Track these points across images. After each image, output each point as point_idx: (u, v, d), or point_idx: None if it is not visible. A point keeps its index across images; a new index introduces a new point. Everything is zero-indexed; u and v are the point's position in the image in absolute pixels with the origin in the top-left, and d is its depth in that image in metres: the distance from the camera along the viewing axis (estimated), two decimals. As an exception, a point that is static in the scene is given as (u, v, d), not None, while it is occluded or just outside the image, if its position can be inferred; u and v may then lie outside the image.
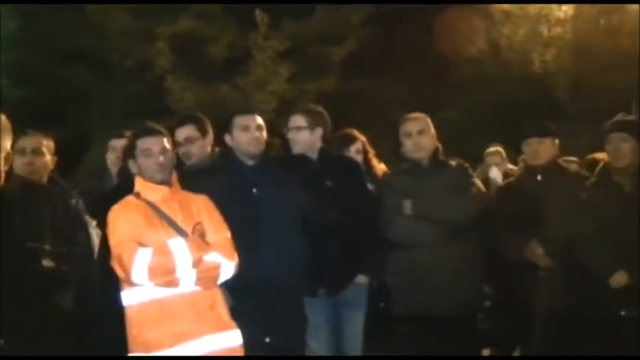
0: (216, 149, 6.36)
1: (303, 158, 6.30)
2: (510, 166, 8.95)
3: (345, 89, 20.86)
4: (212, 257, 4.98)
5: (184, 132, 6.26)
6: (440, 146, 6.41)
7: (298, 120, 6.32)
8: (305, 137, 6.30)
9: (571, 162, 8.01)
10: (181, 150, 6.18)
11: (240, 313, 5.28)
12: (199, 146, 6.25)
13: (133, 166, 5.25)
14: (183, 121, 6.38)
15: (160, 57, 19.34)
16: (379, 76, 22.25)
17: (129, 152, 5.28)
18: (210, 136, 6.36)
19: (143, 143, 5.15)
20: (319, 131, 6.35)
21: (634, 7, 19.89)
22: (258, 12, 19.38)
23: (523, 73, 21.22)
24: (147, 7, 19.62)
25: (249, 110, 6.10)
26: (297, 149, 6.32)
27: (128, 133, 5.80)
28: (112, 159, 6.86)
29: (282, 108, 18.92)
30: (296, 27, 20.53)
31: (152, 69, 19.65)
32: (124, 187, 5.45)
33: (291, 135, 6.33)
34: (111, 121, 18.20)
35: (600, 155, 6.96)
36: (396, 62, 21.99)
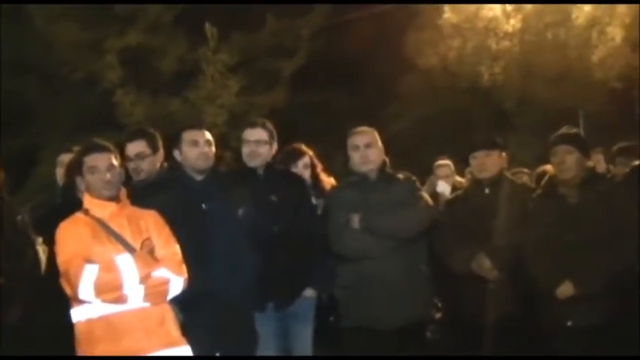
0: (165, 164, 6.34)
1: (251, 172, 6.31)
2: (459, 178, 9.01)
3: (296, 102, 20.90)
4: (160, 273, 4.98)
5: (135, 147, 6.24)
6: (387, 160, 6.44)
7: (260, 133, 6.34)
8: (266, 151, 6.33)
9: (522, 173, 8.10)
10: (131, 165, 6.16)
11: (190, 328, 5.28)
12: (150, 162, 6.23)
13: (80, 182, 5.23)
14: (134, 136, 6.36)
15: (110, 70, 19.20)
16: (329, 89, 22.34)
17: (76, 169, 5.26)
18: (161, 152, 6.34)
19: (90, 160, 5.13)
20: (275, 146, 6.42)
21: (580, 20, 20.19)
22: (207, 25, 19.33)
23: (472, 85, 21.40)
24: (96, 20, 19.48)
25: (198, 125, 6.12)
26: (255, 163, 6.33)
27: (77, 148, 5.76)
28: (62, 174, 6.81)
29: (232, 121, 18.91)
30: (245, 40, 20.52)
31: (101, 82, 19.50)
32: (69, 203, 5.43)
33: (250, 148, 6.33)
34: (60, 134, 18.06)
35: (548, 168, 7.04)
36: (345, 75, 22.08)
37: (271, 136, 6.37)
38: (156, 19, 20.04)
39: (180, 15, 19.99)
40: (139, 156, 6.20)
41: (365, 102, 21.71)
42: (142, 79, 19.63)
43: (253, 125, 6.43)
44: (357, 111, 19.61)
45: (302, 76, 20.90)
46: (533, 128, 19.92)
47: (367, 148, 6.29)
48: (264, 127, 6.39)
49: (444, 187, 8.26)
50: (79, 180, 5.28)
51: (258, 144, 6.30)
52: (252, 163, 6.33)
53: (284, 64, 20.79)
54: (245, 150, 6.35)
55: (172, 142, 5.98)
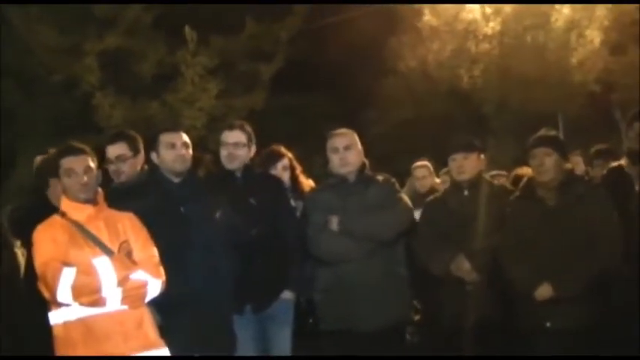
0: (145, 167, 6.32)
1: (229, 175, 6.30)
2: (438, 180, 9.04)
3: (274, 105, 20.89)
4: (138, 275, 4.97)
5: (116, 150, 6.20)
6: (366, 162, 6.44)
7: (238, 136, 6.33)
8: (244, 153, 6.32)
9: (500, 176, 8.11)
10: (112, 167, 6.13)
11: (167, 331, 5.27)
12: (130, 164, 6.18)
13: (56, 184, 5.20)
14: (115, 139, 6.32)
15: (89, 73, 19.11)
16: (308, 92, 22.35)
17: (50, 171, 5.23)
18: (142, 155, 6.31)
19: (66, 163, 5.11)
20: (253, 148, 6.42)
21: (559, 23, 20.26)
22: (187, 29, 19.29)
23: (451, 88, 21.45)
24: (74, 23, 19.39)
25: (175, 128, 6.11)
26: (234, 165, 6.31)
27: (52, 150, 5.74)
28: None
29: (211, 124, 18.87)
30: (224, 43, 20.47)
31: (80, 85, 19.41)
32: (40, 206, 5.42)
33: (228, 150, 6.31)
34: (38, 138, 17.97)
35: (523, 171, 7.06)
36: (324, 78, 22.10)
37: (249, 139, 6.36)
38: (135, 22, 19.96)
39: (159, 18, 19.93)
40: (120, 158, 6.16)
41: (344, 105, 21.73)
42: (121, 82, 19.56)
43: (231, 128, 6.42)
44: (335, 114, 19.62)
45: (281, 80, 20.89)
46: (511, 131, 19.98)
47: (346, 151, 6.28)
48: (242, 129, 6.37)
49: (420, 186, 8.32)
50: (53, 182, 5.25)
51: (237, 146, 6.29)
52: (230, 165, 6.31)
53: (263, 67, 20.77)
54: (223, 152, 6.34)
55: (149, 144, 5.97)
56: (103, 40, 19.48)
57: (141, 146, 6.32)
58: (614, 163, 6.95)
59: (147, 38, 20.18)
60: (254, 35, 20.95)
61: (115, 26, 19.78)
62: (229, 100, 20.05)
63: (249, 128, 6.42)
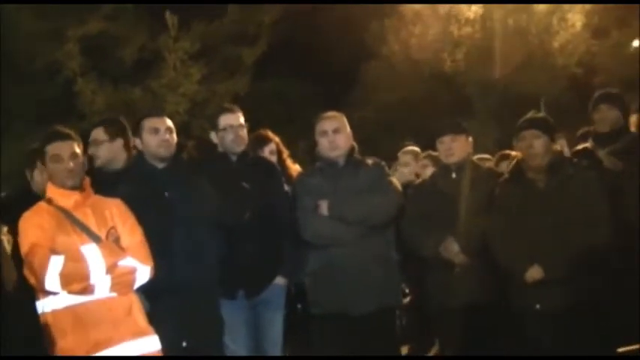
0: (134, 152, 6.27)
1: (223, 158, 6.25)
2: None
3: (258, 90, 20.83)
4: (127, 262, 4.93)
5: (94, 134, 6.14)
6: (355, 145, 6.40)
7: (240, 117, 6.31)
8: (245, 134, 6.30)
9: (485, 160, 8.10)
10: (90, 151, 6.06)
11: (155, 318, 5.22)
12: (107, 149, 6.09)
13: (42, 170, 5.15)
14: (97, 123, 6.28)
15: (70, 59, 19.00)
16: (291, 76, 22.31)
17: (36, 157, 5.18)
18: (121, 141, 6.22)
19: (52, 149, 5.05)
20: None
21: (541, 7, 20.31)
22: (168, 14, 19.19)
23: (434, 71, 21.46)
24: (53, 9, 19.25)
25: (158, 113, 6.03)
26: (241, 147, 6.29)
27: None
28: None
29: (194, 109, 18.81)
30: (207, 28, 20.40)
31: (61, 72, 19.28)
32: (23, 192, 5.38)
33: (236, 133, 6.26)
34: (19, 125, 17.87)
35: (512, 152, 7.07)
36: (308, 62, 22.06)
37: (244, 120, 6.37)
38: (116, 7, 19.85)
39: (140, 3, 19.82)
40: (95, 142, 6.09)
41: (327, 89, 21.71)
42: (103, 67, 19.47)
43: (232, 110, 6.37)
44: (319, 98, 19.60)
45: (264, 64, 20.84)
46: (494, 114, 20.04)
47: (335, 134, 6.22)
48: (239, 111, 6.36)
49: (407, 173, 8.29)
50: (40, 167, 5.20)
51: (242, 128, 6.28)
52: (238, 148, 6.27)
53: (246, 51, 20.71)
54: (229, 136, 6.25)
55: (133, 130, 5.91)
56: (85, 25, 19.35)
57: (123, 132, 6.24)
58: (579, 146, 6.99)
59: (128, 23, 20.08)
60: (236, 20, 20.89)
61: (96, 11, 19.65)
62: (212, 85, 20.01)
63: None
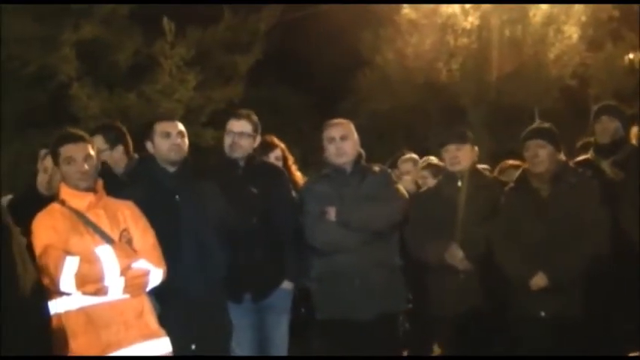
0: (135, 156, 6.29)
1: (232, 163, 6.28)
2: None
3: (252, 97, 20.82)
4: (140, 264, 4.96)
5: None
6: (362, 152, 6.44)
7: (244, 125, 6.31)
8: (248, 143, 6.31)
9: (485, 170, 8.15)
10: None
11: (164, 321, 5.24)
12: (108, 157, 6.08)
13: (57, 172, 5.17)
14: (94, 131, 6.26)
15: (65, 64, 18.93)
16: (286, 84, 22.33)
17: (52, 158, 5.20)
18: (122, 147, 6.25)
19: (66, 150, 5.06)
20: (258, 139, 6.42)
21: (537, 18, 20.43)
22: (165, 19, 19.18)
23: (428, 81, 21.51)
24: (48, 13, 19.19)
25: (170, 117, 6.07)
26: (236, 154, 6.30)
27: None
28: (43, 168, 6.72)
29: (189, 116, 18.78)
30: (202, 35, 20.38)
31: (56, 76, 19.21)
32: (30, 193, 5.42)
33: (233, 139, 6.29)
34: (13, 130, 17.82)
35: (513, 162, 7.15)
36: (302, 70, 22.10)
37: (255, 129, 6.36)
38: (112, 12, 19.80)
39: (136, 8, 19.79)
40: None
41: (321, 97, 21.75)
42: (98, 72, 19.42)
43: (238, 117, 6.39)
44: (313, 106, 19.62)
45: (259, 71, 20.84)
46: (488, 124, 20.10)
47: (343, 141, 6.27)
48: (249, 119, 6.36)
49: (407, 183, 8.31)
50: (42, 168, 5.24)
51: (241, 136, 6.28)
52: (232, 154, 6.30)
53: (241, 58, 20.68)
54: (227, 141, 6.32)
55: (144, 133, 5.93)
56: (80, 30, 19.29)
57: (122, 138, 6.26)
58: (581, 157, 7.06)
59: (124, 28, 20.03)
60: (231, 27, 20.86)
61: (92, 16, 19.60)
62: (207, 92, 19.96)
63: (255, 118, 6.41)
